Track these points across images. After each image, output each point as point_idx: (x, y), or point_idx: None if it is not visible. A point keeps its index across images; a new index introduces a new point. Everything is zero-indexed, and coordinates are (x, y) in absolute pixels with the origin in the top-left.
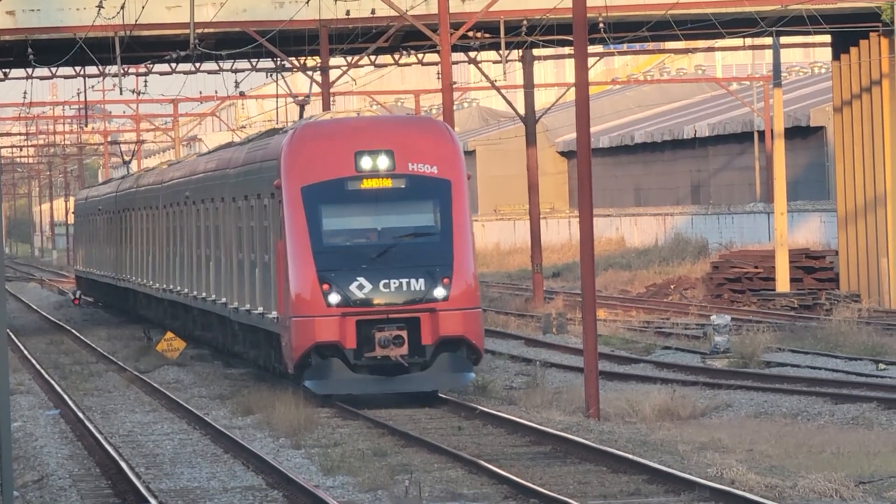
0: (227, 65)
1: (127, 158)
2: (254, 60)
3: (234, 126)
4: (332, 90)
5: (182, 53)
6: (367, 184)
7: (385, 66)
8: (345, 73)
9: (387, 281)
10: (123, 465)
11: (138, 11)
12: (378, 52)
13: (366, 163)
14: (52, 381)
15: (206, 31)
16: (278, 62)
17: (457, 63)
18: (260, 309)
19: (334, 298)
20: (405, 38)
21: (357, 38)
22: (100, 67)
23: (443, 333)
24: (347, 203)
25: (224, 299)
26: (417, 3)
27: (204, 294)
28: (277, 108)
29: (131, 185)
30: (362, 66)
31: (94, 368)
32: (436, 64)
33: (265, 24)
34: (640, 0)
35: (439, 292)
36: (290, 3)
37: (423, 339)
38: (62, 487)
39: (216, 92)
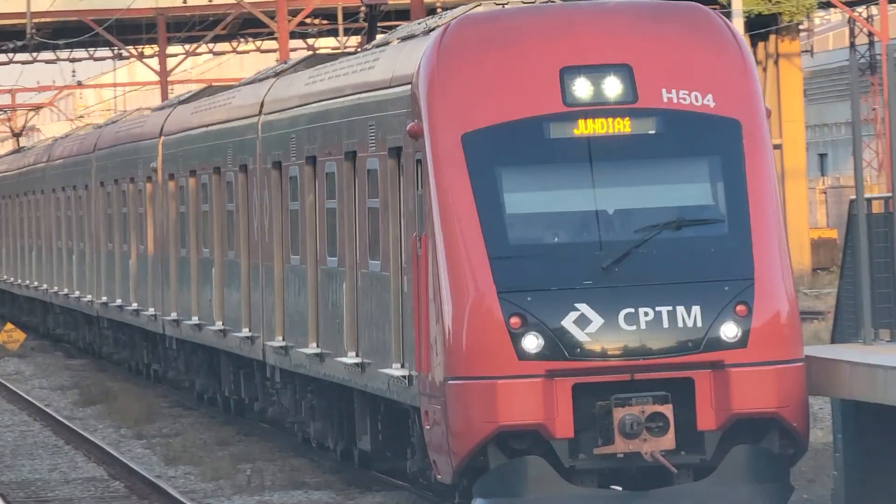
0: (64, 54)
1: (17, 130)
2: (91, 49)
3: (72, 116)
4: (169, 79)
5: (19, 43)
6: (587, 128)
7: (223, 53)
8: (182, 61)
9: (631, 311)
10: None
11: None
12: (216, 39)
13: (583, 89)
14: None
15: (43, 20)
16: (116, 51)
17: (295, 50)
18: (355, 357)
19: (533, 344)
20: (243, 25)
21: (195, 27)
22: None
23: (738, 409)
24: (551, 165)
25: (247, 331)
26: None
27: (219, 323)
28: (116, 97)
29: (41, 157)
30: (200, 54)
31: None
32: (274, 51)
33: (103, 12)
34: None
35: (730, 331)
36: None
37: (699, 420)
38: None
39: (53, 81)
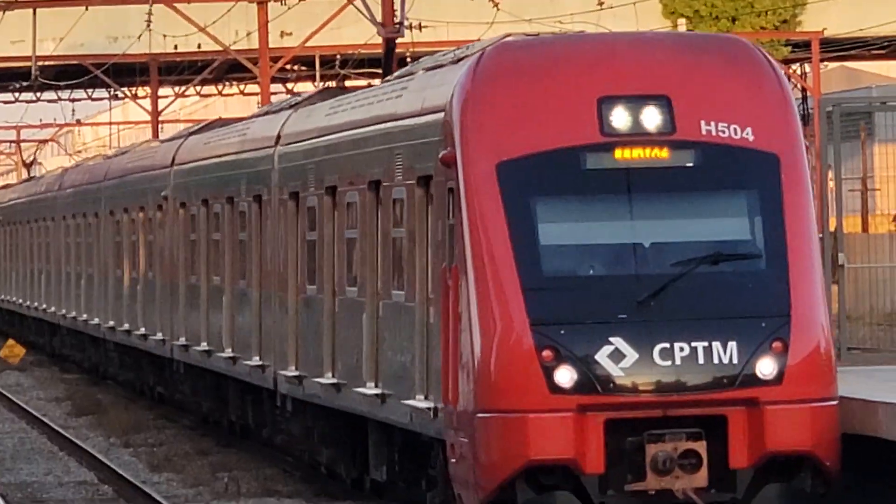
0: (65, 94)
1: (28, 161)
2: (90, 90)
3: (71, 151)
4: (160, 118)
5: (24, 84)
6: (624, 157)
7: (209, 96)
8: (172, 102)
9: (667, 346)
10: None
11: None
12: (203, 83)
13: (621, 119)
14: None
15: (46, 63)
16: (112, 92)
17: (275, 94)
18: (374, 388)
19: (566, 377)
20: (228, 70)
21: (184, 71)
22: None
23: (771, 447)
24: (587, 196)
25: (257, 359)
26: (240, 39)
27: (228, 350)
28: (111, 136)
29: (52, 185)
30: (189, 96)
31: None
32: (256, 94)
33: (100, 57)
34: (444, 37)
35: (767, 368)
36: (123, 38)
37: (731, 458)
38: None
39: (55, 119)
